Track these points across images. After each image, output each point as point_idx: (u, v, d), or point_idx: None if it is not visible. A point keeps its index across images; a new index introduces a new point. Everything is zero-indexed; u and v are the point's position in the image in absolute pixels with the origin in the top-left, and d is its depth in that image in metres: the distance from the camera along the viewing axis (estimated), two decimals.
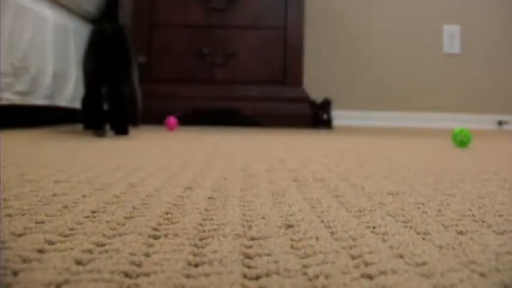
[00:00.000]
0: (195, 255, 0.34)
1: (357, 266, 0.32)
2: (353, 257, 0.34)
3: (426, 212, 0.49)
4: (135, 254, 0.34)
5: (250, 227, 0.42)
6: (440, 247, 0.37)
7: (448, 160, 1.02)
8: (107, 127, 1.49)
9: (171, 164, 0.83)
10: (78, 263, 0.32)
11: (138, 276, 0.30)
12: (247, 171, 0.76)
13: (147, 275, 0.30)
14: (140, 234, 0.39)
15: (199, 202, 0.52)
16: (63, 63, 2.00)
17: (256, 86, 2.48)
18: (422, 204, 0.54)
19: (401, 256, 0.34)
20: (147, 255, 0.34)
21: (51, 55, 1.94)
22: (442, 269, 0.32)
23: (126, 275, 0.30)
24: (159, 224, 0.42)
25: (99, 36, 1.46)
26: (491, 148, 1.41)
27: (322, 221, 0.44)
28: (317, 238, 0.39)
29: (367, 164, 0.91)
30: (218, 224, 0.42)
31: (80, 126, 1.72)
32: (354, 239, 0.39)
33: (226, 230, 0.40)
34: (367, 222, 0.45)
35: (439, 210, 0.51)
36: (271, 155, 1.04)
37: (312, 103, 2.49)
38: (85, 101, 1.53)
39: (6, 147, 1.04)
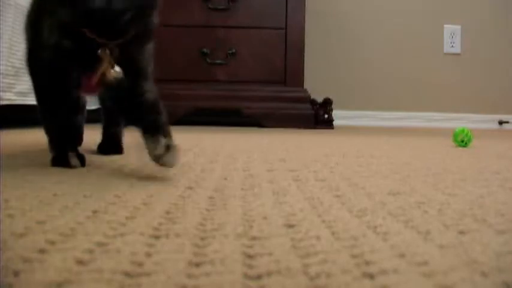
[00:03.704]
0: (196, 255, 0.34)
1: (358, 266, 0.32)
2: (354, 257, 0.34)
3: (427, 212, 0.49)
4: (136, 254, 0.34)
5: (251, 227, 0.42)
6: (441, 247, 0.37)
7: (448, 160, 1.02)
8: None
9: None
10: (79, 263, 0.32)
11: (139, 276, 0.30)
12: (248, 171, 0.76)
13: (148, 274, 0.30)
14: (141, 234, 0.39)
15: (200, 202, 0.52)
16: None
17: (257, 85, 2.48)
18: (423, 203, 0.53)
19: (402, 255, 0.34)
20: (148, 255, 0.34)
21: None
22: (443, 268, 0.32)
23: (127, 274, 0.30)
24: (160, 224, 0.42)
25: None
26: (492, 148, 1.41)
27: (323, 221, 0.44)
28: (318, 238, 0.39)
29: (367, 163, 0.91)
30: (219, 224, 0.42)
31: None
32: (355, 239, 0.39)
33: (228, 230, 0.40)
34: (368, 222, 0.45)
35: (440, 209, 0.51)
36: (272, 154, 1.04)
37: (313, 103, 2.49)
38: None
39: (7, 147, 1.04)
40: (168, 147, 0.68)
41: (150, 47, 0.78)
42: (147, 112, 0.73)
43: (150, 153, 0.69)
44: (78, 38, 0.68)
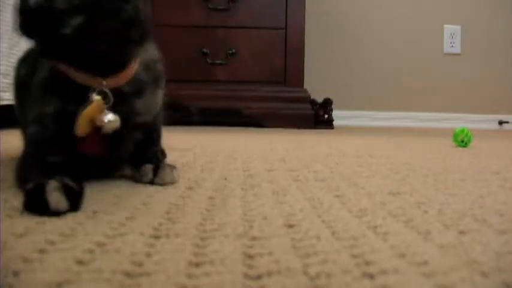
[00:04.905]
0: (196, 255, 0.34)
1: (358, 266, 0.32)
2: (354, 257, 0.34)
3: (427, 212, 0.49)
4: (136, 254, 0.34)
5: (251, 227, 0.42)
6: (442, 247, 0.37)
7: (448, 160, 1.02)
8: None
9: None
10: (79, 263, 0.32)
11: (139, 276, 0.30)
12: (248, 171, 0.76)
13: (148, 274, 0.30)
14: (141, 234, 0.39)
15: (200, 202, 0.52)
16: None
17: (257, 86, 2.48)
18: (423, 203, 0.53)
19: (402, 256, 0.34)
20: (148, 255, 0.34)
21: None
22: (444, 268, 0.32)
23: (127, 274, 0.30)
24: (160, 224, 0.42)
25: None
26: (492, 148, 1.41)
27: (323, 221, 0.44)
28: (318, 238, 0.39)
29: (367, 163, 0.91)
30: (219, 224, 0.42)
31: None
32: (355, 239, 0.38)
33: (228, 230, 0.40)
34: (368, 222, 0.45)
35: (440, 209, 0.50)
36: (272, 154, 1.04)
37: (313, 103, 2.49)
38: None
39: (7, 147, 1.04)
40: (157, 168, 0.63)
41: (158, 98, 0.66)
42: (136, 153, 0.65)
43: (143, 180, 0.63)
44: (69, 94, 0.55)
